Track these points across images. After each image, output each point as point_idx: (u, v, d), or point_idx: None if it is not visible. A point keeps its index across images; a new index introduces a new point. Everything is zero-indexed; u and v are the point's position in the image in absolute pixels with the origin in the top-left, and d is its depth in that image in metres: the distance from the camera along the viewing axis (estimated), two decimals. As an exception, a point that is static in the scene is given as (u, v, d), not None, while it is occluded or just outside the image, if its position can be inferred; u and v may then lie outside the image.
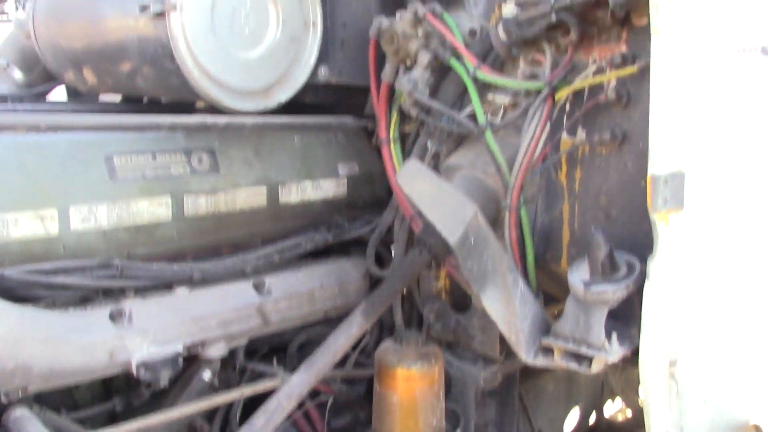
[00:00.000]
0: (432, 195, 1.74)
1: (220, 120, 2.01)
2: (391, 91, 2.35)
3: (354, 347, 2.47)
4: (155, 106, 2.78)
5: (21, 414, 1.82)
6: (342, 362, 2.51)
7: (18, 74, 2.79)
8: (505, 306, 1.83)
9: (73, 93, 3.01)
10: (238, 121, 2.06)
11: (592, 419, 3.35)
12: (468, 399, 2.28)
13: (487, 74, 2.09)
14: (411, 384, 2.07)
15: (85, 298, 1.97)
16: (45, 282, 1.83)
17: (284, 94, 2.31)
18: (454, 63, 2.17)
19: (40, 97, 2.77)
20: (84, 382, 2.08)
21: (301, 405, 2.41)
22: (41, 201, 1.89)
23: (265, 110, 2.28)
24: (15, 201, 1.85)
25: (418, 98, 2.17)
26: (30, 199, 1.87)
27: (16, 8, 8.81)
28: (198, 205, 2.17)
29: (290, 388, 1.88)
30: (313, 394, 2.46)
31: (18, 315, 1.73)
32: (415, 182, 1.77)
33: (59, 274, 1.86)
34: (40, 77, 2.82)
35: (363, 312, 1.96)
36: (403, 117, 2.39)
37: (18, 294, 1.81)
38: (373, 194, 2.64)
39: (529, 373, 2.52)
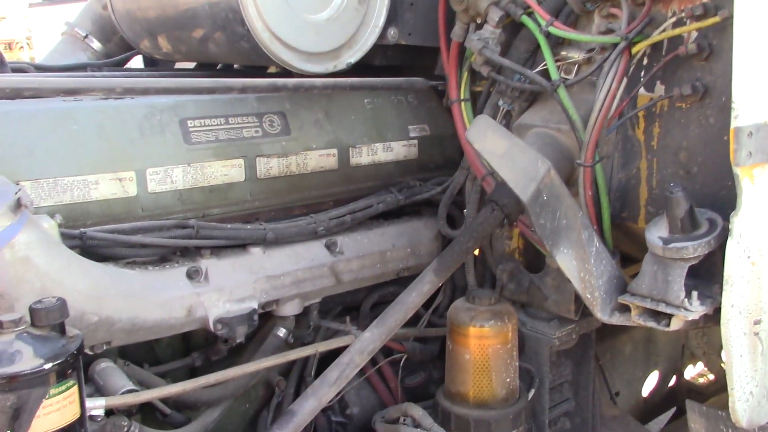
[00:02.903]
0: (503, 151, 1.71)
1: (290, 81, 2.02)
2: (461, 51, 2.32)
3: (427, 307, 2.48)
4: (228, 72, 2.81)
5: (105, 366, 1.90)
6: (415, 322, 2.54)
7: (96, 44, 2.86)
8: (580, 263, 1.80)
9: (149, 62, 3.08)
10: (308, 81, 2.06)
11: (672, 382, 3.28)
12: (542, 359, 2.26)
13: (560, 30, 2.03)
14: (484, 342, 2.06)
15: (162, 258, 2.03)
16: (125, 241, 1.88)
17: (353, 56, 2.30)
18: (525, 20, 2.11)
19: (118, 65, 2.84)
20: (164, 337, 2.15)
21: (375, 363, 2.45)
22: (120, 164, 1.95)
23: (334, 72, 2.28)
24: (95, 164, 1.91)
25: (489, 56, 2.14)
26: (109, 161, 1.93)
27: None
28: (270, 166, 2.20)
29: (363, 344, 1.89)
30: (387, 352, 2.48)
31: (101, 272, 1.79)
32: (485, 138, 1.74)
33: (138, 233, 1.92)
34: (117, 47, 2.89)
35: (435, 270, 1.95)
36: (474, 76, 2.36)
37: (100, 252, 1.87)
38: (444, 155, 2.62)
39: (605, 333, 2.48)
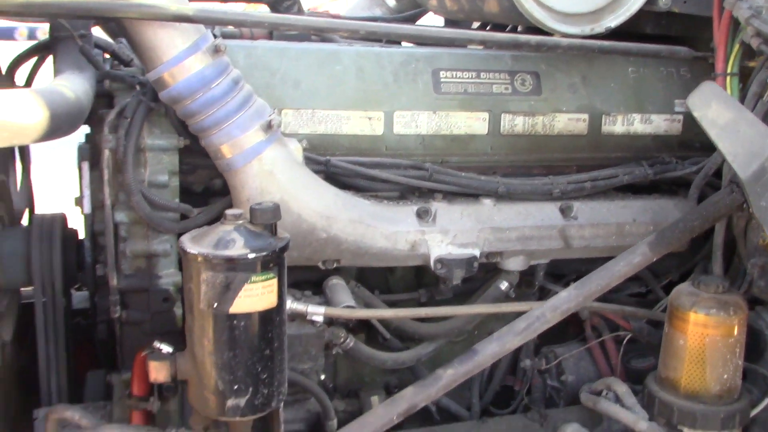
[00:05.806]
0: (727, 121, 1.58)
1: (549, 40, 2.04)
2: (736, 21, 2.14)
3: (667, 291, 2.37)
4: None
5: (336, 282, 2.15)
6: (652, 304, 2.44)
7: (391, 1, 3.11)
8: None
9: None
10: (564, 41, 2.06)
11: None
12: (785, 366, 2.06)
13: None
14: (702, 330, 1.93)
15: (401, 196, 2.20)
16: (362, 173, 2.08)
17: (615, 20, 2.24)
18: (809, -13, 1.90)
19: (407, 21, 3.06)
20: (398, 270, 2.36)
21: (599, 335, 2.43)
22: (371, 104, 2.15)
23: (591, 35, 2.25)
24: (349, 101, 2.13)
25: (760, 27, 1.96)
26: (362, 101, 2.14)
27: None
28: (515, 123, 2.26)
29: (557, 301, 1.89)
30: (613, 328, 2.43)
31: (334, 195, 2.01)
32: (709, 106, 1.62)
33: (377, 168, 2.11)
34: (409, 3, 3.11)
35: (650, 243, 1.88)
36: (751, 50, 2.16)
37: (342, 181, 2.10)
38: (713, 135, 2.45)
39: None
